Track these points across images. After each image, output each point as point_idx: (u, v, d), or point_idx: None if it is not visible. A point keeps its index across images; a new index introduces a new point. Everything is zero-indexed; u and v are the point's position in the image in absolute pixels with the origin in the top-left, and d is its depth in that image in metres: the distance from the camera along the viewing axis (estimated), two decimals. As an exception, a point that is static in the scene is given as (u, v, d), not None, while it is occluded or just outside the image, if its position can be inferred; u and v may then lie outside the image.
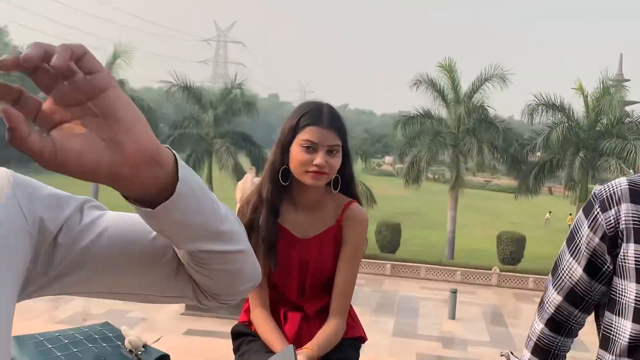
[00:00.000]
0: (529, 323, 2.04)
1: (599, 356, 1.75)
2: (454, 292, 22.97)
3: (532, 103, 30.08)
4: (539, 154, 31.88)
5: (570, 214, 46.42)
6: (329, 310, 2.40)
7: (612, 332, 1.67)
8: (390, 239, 31.51)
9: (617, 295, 1.66)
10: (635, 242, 1.60)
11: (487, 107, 31.47)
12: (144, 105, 34.34)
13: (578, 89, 29.92)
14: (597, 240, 1.68)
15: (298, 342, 2.36)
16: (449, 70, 30.89)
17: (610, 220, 1.64)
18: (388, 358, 16.98)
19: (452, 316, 22.44)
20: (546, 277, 1.89)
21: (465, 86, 31.38)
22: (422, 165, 30.82)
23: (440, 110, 31.85)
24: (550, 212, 48.48)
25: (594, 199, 1.70)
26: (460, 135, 31.03)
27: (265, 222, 2.32)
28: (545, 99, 30.02)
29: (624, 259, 1.62)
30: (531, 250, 30.79)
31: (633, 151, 27.93)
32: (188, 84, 32.80)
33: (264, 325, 2.35)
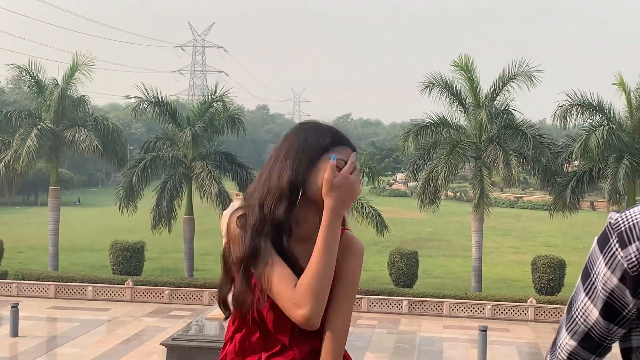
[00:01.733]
0: None
1: None
2: (484, 330, 22.94)
3: (565, 104, 30.24)
4: (576, 163, 31.96)
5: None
6: (319, 355, 2.43)
7: None
8: (405, 271, 31.45)
9: None
10: None
11: (512, 111, 31.67)
12: (109, 126, 34.48)
13: (619, 85, 29.97)
14: (615, 280, 1.68)
15: None
16: (466, 69, 31.04)
17: (632, 258, 1.65)
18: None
19: (483, 359, 22.44)
20: None
21: (486, 87, 31.61)
22: (440, 182, 30.80)
23: (458, 116, 32.09)
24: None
25: (609, 230, 1.70)
26: (483, 145, 31.13)
27: (282, 245, 2.42)
28: (581, 98, 30.16)
29: None
30: (572, 276, 30.69)
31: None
32: (160, 98, 32.86)
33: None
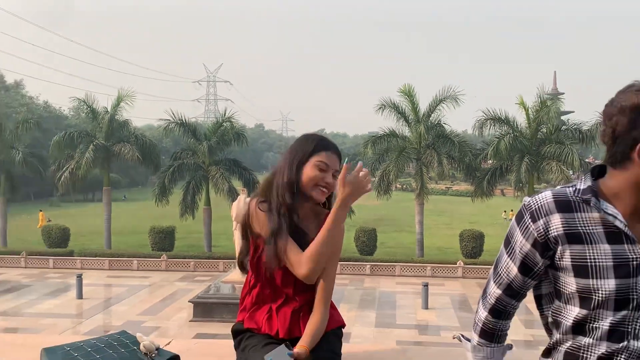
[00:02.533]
0: None
1: (550, 335, 1.83)
2: (426, 285, 23.04)
3: (481, 118, 30.40)
4: (490, 161, 32.11)
5: (509, 210, 46.95)
6: (313, 302, 2.45)
7: (561, 316, 1.76)
8: (367, 243, 31.51)
9: (562, 287, 1.74)
10: (569, 243, 1.68)
11: (443, 125, 31.73)
12: (146, 142, 34.20)
13: (520, 104, 30.22)
14: (528, 246, 1.74)
15: (289, 333, 2.42)
16: (409, 94, 31.08)
17: (540, 230, 1.71)
18: (372, 346, 16.90)
19: (426, 306, 22.48)
20: None
21: (423, 107, 31.68)
22: (391, 178, 30.88)
23: (403, 129, 32.09)
24: (505, 211, 48.81)
25: (524, 210, 1.75)
26: (422, 149, 31.20)
27: (293, 221, 2.44)
28: (493, 113, 30.32)
29: (561, 258, 1.70)
30: (489, 244, 30.96)
31: (570, 154, 28.25)
32: (184, 120, 32.72)
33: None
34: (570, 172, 30.37)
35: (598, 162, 1.78)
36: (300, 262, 2.35)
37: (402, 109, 31.34)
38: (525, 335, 17.73)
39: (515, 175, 29.63)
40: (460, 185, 72.04)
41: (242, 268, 2.58)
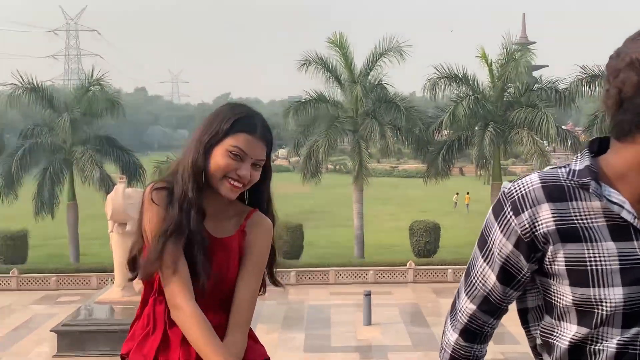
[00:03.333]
0: None
1: None
2: (368, 294, 23.44)
3: (433, 77, 31.13)
4: (445, 132, 32.99)
5: (465, 193, 48.46)
6: (225, 329, 2.40)
7: (554, 336, 1.76)
8: (292, 244, 31.67)
9: (554, 299, 1.73)
10: (563, 242, 1.67)
11: (385, 85, 32.27)
12: (-19, 115, 32.96)
13: (481, 57, 31.05)
14: (510, 246, 1.72)
15: None
16: (341, 46, 31.35)
17: (525, 225, 1.69)
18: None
19: (368, 322, 22.88)
20: (465, 267, 1.93)
21: (360, 63, 32.06)
22: (321, 156, 31.13)
23: (335, 92, 32.44)
24: (457, 193, 50.14)
25: (503, 199, 1.74)
26: (360, 118, 31.66)
27: (197, 223, 2.37)
28: (448, 71, 31.09)
29: (553, 262, 1.68)
30: (447, 239, 31.85)
31: (545, 120, 29.19)
32: (36, 84, 31.73)
33: (207, 334, 2.29)
34: (545, 143, 31.61)
35: (588, 135, 1.73)
36: (179, 295, 2.30)
37: (332, 66, 31.62)
38: (494, 353, 18.48)
39: (477, 148, 30.53)
40: (409, 163, 73.46)
41: (132, 267, 2.47)
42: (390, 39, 31.32)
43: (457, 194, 49.96)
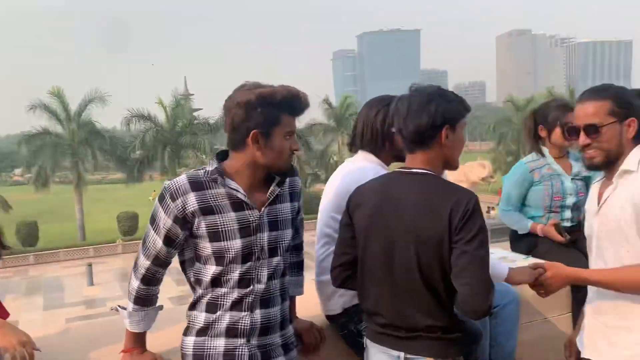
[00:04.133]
0: None
1: (194, 291, 1.86)
2: (90, 265, 23.59)
3: (128, 115, 31.52)
4: (138, 152, 33.23)
5: (152, 191, 49.03)
6: None
7: (201, 274, 1.80)
8: (29, 235, 29.94)
9: (201, 251, 1.77)
10: (203, 215, 1.72)
11: (94, 122, 31.91)
12: None
13: (160, 103, 32.30)
14: (170, 222, 1.73)
15: None
16: (59, 95, 30.42)
17: (179, 207, 1.71)
18: (40, 330, 17.05)
19: (91, 283, 23.03)
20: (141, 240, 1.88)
21: (74, 106, 31.20)
22: (49, 173, 29.93)
23: (57, 127, 31.19)
24: (155, 190, 50.16)
25: (164, 191, 1.73)
26: (77, 145, 30.89)
27: None
28: (138, 111, 31.68)
29: (198, 228, 1.73)
30: (143, 222, 32.06)
31: (203, 143, 31.37)
32: None
33: None
34: (204, 157, 33.62)
35: (223, 148, 1.83)
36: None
37: (53, 109, 30.38)
38: (178, 292, 18.61)
39: (160, 162, 31.77)
40: (115, 174, 70.63)
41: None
42: (94, 90, 31.26)
43: (155, 191, 49.64)
